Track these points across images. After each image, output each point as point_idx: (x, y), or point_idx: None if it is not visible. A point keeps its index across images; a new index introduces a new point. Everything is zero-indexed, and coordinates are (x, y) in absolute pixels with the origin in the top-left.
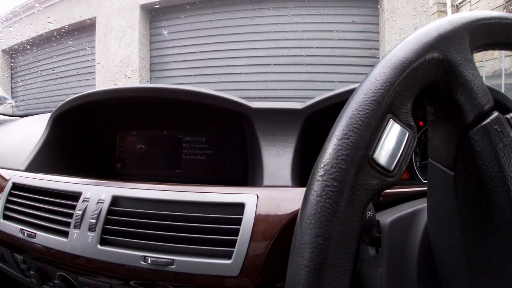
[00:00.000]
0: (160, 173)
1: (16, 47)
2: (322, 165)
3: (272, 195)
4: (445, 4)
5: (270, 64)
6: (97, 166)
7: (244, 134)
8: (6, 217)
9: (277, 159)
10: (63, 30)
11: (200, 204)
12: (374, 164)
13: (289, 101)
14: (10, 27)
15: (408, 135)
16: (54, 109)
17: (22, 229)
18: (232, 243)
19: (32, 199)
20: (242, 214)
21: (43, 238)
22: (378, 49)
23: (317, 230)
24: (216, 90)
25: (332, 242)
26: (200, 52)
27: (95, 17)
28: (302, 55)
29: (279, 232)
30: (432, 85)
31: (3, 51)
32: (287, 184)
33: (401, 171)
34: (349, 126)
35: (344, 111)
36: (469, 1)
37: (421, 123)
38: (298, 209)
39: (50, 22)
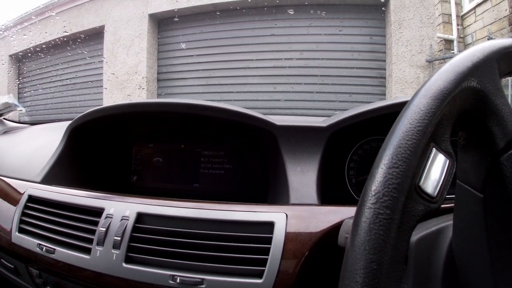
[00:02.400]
0: (177, 187)
1: (24, 53)
2: (373, 193)
3: (301, 214)
4: (450, 15)
5: (277, 75)
6: (113, 178)
7: (264, 150)
8: (21, 231)
9: (302, 176)
10: (71, 38)
11: (229, 223)
12: (420, 191)
13: (296, 113)
14: (21, 33)
15: (449, 162)
16: (67, 118)
17: (40, 244)
18: (263, 262)
19: (50, 213)
20: (272, 233)
21: (64, 254)
22: (384, 61)
23: (371, 256)
24: (225, 101)
25: (385, 267)
26: (208, 62)
27: (103, 26)
28: (308, 67)
29: (308, 251)
30: (466, 113)
31: (11, 56)
32: (314, 202)
33: (443, 197)
34: (398, 155)
35: (390, 139)
36: (474, 13)
37: None
38: (327, 229)
39: (65, 32)
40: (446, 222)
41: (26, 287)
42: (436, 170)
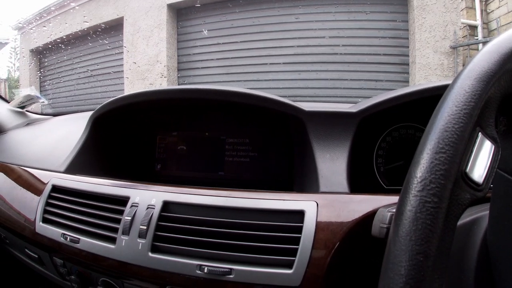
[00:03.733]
0: (202, 175)
1: (44, 46)
2: (419, 180)
3: (331, 203)
4: (474, 0)
5: (300, 62)
6: (136, 167)
7: (291, 137)
8: (45, 220)
9: (332, 164)
10: (91, 30)
11: (257, 211)
12: (467, 178)
13: (319, 100)
14: (40, 26)
15: (494, 149)
16: (89, 109)
17: (64, 234)
18: (293, 252)
19: (74, 203)
20: (302, 222)
21: (88, 244)
22: (407, 47)
23: (418, 247)
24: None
25: (431, 259)
26: (229, 50)
27: (122, 17)
28: (330, 53)
29: (340, 241)
30: (509, 97)
31: (32, 50)
32: (344, 191)
33: (488, 184)
34: (444, 140)
35: (434, 122)
36: None
37: None
38: (359, 218)
39: (85, 22)
40: (482, 212)
41: (50, 276)
42: (482, 157)
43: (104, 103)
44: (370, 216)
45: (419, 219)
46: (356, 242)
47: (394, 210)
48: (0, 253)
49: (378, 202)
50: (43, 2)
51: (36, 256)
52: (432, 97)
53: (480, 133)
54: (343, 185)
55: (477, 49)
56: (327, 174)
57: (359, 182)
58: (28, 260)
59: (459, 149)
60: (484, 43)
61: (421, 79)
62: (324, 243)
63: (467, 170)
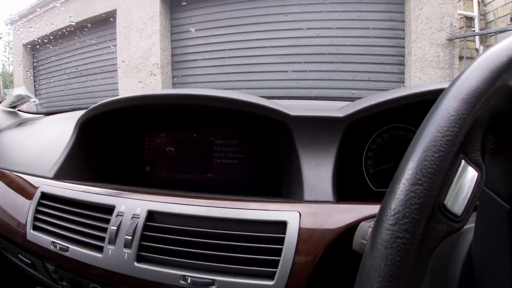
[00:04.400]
0: (190, 176)
1: (37, 41)
2: (392, 213)
3: (315, 212)
4: None
5: (292, 54)
6: (125, 169)
7: (278, 140)
8: (36, 228)
9: (317, 171)
10: (84, 24)
11: (240, 222)
12: (444, 210)
13: (313, 93)
14: (34, 21)
15: (478, 176)
16: (82, 103)
17: (54, 242)
18: (275, 263)
19: (63, 210)
20: (284, 233)
21: (76, 252)
22: (403, 38)
23: (385, 283)
24: (239, 82)
25: None
26: (222, 42)
27: (115, 10)
28: (324, 45)
29: (322, 252)
30: (500, 116)
31: (25, 45)
32: (329, 199)
33: (468, 215)
34: (422, 170)
35: (414, 149)
36: None
37: None
38: (342, 228)
39: (72, 22)
40: (468, 224)
41: (43, 280)
42: (463, 186)
43: (91, 107)
44: (353, 227)
45: (389, 256)
46: (338, 254)
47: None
48: None
49: (362, 211)
50: None
51: (29, 262)
52: (422, 101)
53: (463, 160)
54: (328, 193)
55: (474, 41)
56: (312, 181)
57: (347, 185)
58: (22, 264)
59: (437, 180)
60: (481, 35)
61: (417, 71)
62: (305, 254)
63: (445, 201)
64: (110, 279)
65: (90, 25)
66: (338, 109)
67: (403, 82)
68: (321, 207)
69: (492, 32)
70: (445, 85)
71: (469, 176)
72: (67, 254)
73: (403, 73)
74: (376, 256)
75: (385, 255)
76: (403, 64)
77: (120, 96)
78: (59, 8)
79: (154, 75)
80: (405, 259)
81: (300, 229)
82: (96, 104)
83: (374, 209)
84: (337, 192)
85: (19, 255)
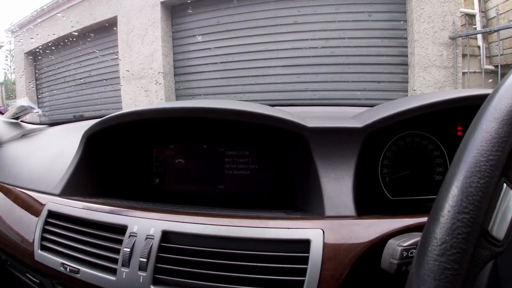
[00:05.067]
0: (201, 188)
1: (38, 50)
2: (439, 242)
3: (338, 229)
4: None
5: (296, 57)
6: (134, 182)
7: (292, 150)
8: (44, 248)
9: (337, 184)
10: (85, 32)
11: (261, 241)
12: (488, 236)
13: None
14: (35, 29)
15: None
16: (85, 112)
17: (64, 264)
18: (300, 284)
19: (72, 230)
20: (308, 252)
21: (88, 275)
22: (406, 38)
23: None
24: (244, 88)
25: None
26: (226, 46)
27: (116, 17)
28: (325, 47)
29: (348, 270)
30: None
31: (26, 54)
32: (351, 214)
33: (509, 239)
34: (468, 197)
35: (457, 171)
36: None
37: None
38: (367, 245)
39: (73, 29)
40: None
41: None
42: (506, 211)
43: (97, 121)
44: (378, 243)
45: (437, 287)
46: (363, 272)
47: (405, 244)
48: (1, 272)
49: (386, 226)
50: (35, 4)
51: (38, 281)
52: (443, 110)
53: (505, 184)
54: (350, 207)
55: (476, 39)
56: (333, 195)
57: (362, 195)
58: (30, 283)
59: (483, 208)
60: (483, 33)
61: (421, 71)
62: (331, 273)
63: (489, 227)
64: None
65: (91, 32)
66: (353, 118)
67: (406, 82)
68: (344, 223)
69: (495, 29)
70: (462, 93)
71: (510, 201)
72: (78, 276)
73: (406, 73)
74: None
75: (434, 286)
76: (406, 64)
77: (127, 110)
78: (60, 17)
79: (157, 82)
80: None
81: (325, 247)
82: (102, 118)
83: (397, 223)
84: (357, 206)
85: (27, 274)
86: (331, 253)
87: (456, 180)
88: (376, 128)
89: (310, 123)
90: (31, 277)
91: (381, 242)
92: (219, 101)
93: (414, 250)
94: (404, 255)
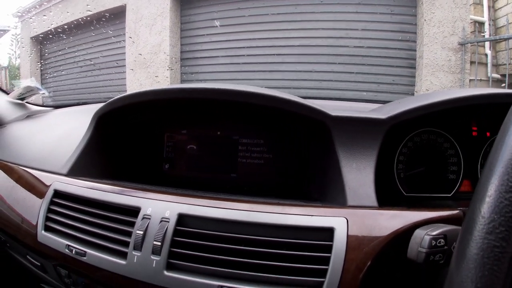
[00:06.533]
0: (213, 176)
1: (45, 35)
2: (487, 221)
3: (362, 219)
4: None
5: (305, 54)
6: (143, 167)
7: (310, 140)
8: (48, 229)
9: (359, 174)
10: (93, 18)
11: (282, 228)
12: None
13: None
14: (41, 15)
15: None
16: (90, 98)
17: (69, 246)
18: (323, 273)
19: (79, 211)
20: (332, 240)
21: (96, 258)
22: (415, 41)
23: None
24: (250, 81)
25: None
26: (234, 40)
27: (125, 5)
28: (333, 46)
29: (372, 260)
30: None
31: (32, 38)
32: (373, 204)
33: None
34: None
35: (501, 150)
36: None
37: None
38: (391, 236)
39: (88, 10)
40: None
41: (54, 283)
42: None
43: (108, 101)
44: (401, 234)
45: (486, 265)
46: (387, 263)
47: (434, 233)
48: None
49: (410, 218)
50: None
51: (39, 264)
52: (465, 106)
53: None
54: (372, 198)
55: (484, 46)
56: (354, 185)
57: (378, 190)
58: (30, 266)
59: None
60: (493, 40)
61: (428, 75)
62: (355, 264)
63: None
64: None
65: (99, 20)
66: (374, 111)
67: (413, 85)
68: (367, 212)
69: (505, 38)
70: (486, 90)
71: None
72: (84, 259)
73: (414, 76)
74: (471, 267)
75: (482, 264)
76: (414, 68)
77: (138, 90)
78: (69, 2)
79: (170, 69)
80: (501, 268)
81: (349, 236)
82: (113, 99)
83: (420, 215)
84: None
85: (28, 256)
86: (355, 243)
87: (502, 160)
88: (399, 120)
89: (334, 112)
90: (31, 260)
91: (404, 233)
92: (239, 85)
93: (442, 240)
94: (433, 244)
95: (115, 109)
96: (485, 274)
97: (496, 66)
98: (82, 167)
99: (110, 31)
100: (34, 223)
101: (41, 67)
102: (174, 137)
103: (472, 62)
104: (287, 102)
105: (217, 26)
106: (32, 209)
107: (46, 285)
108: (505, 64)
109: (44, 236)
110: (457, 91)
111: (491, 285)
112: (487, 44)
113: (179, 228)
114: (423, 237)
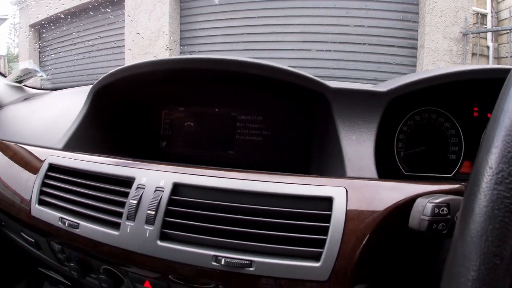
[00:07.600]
0: (210, 153)
1: (44, 19)
2: (496, 171)
3: (361, 189)
4: None
5: (304, 41)
6: (140, 143)
7: (309, 115)
8: (42, 202)
9: (358, 146)
10: (93, 3)
11: (280, 197)
12: None
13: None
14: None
15: None
16: (89, 83)
17: (62, 218)
18: (321, 243)
19: (73, 183)
20: (330, 210)
21: (88, 229)
22: (416, 30)
23: (494, 248)
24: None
25: (506, 262)
26: (233, 27)
27: None
28: (335, 33)
29: (371, 232)
30: None
31: (32, 25)
32: (373, 176)
33: None
34: None
35: (504, 103)
36: None
37: None
38: (391, 207)
39: (80, 4)
40: None
41: (48, 261)
42: None
43: (106, 74)
44: (401, 206)
45: (497, 217)
46: (387, 233)
47: (436, 201)
48: None
49: (410, 191)
50: None
51: (33, 241)
52: (464, 81)
53: None
54: (371, 170)
55: (486, 38)
56: (354, 157)
57: (377, 168)
58: (25, 244)
59: None
60: (496, 31)
61: (429, 64)
62: (354, 234)
63: None
64: (129, 260)
65: (98, 4)
66: (375, 86)
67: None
68: (367, 183)
69: (507, 30)
70: (488, 66)
71: None
72: (77, 231)
73: (414, 65)
74: (481, 220)
75: (492, 216)
76: (415, 57)
77: (136, 62)
78: None
79: (169, 49)
80: None
81: (348, 207)
82: (111, 71)
83: (420, 187)
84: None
85: (22, 233)
86: (354, 213)
87: (508, 111)
88: (400, 94)
89: (333, 84)
90: (26, 237)
91: (405, 205)
92: (238, 57)
93: (445, 208)
94: (436, 212)
95: (113, 83)
96: (496, 227)
97: (497, 58)
98: (78, 141)
99: (109, 15)
100: (28, 199)
101: (39, 52)
102: (172, 114)
103: (473, 54)
104: (287, 72)
105: (216, 3)
106: (26, 184)
107: (43, 269)
108: (506, 57)
109: (38, 210)
110: (459, 66)
111: (503, 238)
112: (489, 36)
113: (173, 197)
114: (425, 205)
